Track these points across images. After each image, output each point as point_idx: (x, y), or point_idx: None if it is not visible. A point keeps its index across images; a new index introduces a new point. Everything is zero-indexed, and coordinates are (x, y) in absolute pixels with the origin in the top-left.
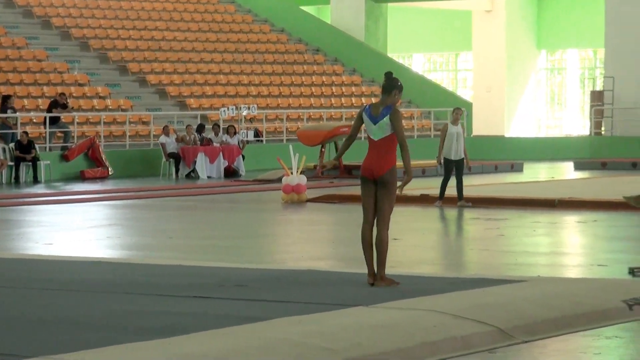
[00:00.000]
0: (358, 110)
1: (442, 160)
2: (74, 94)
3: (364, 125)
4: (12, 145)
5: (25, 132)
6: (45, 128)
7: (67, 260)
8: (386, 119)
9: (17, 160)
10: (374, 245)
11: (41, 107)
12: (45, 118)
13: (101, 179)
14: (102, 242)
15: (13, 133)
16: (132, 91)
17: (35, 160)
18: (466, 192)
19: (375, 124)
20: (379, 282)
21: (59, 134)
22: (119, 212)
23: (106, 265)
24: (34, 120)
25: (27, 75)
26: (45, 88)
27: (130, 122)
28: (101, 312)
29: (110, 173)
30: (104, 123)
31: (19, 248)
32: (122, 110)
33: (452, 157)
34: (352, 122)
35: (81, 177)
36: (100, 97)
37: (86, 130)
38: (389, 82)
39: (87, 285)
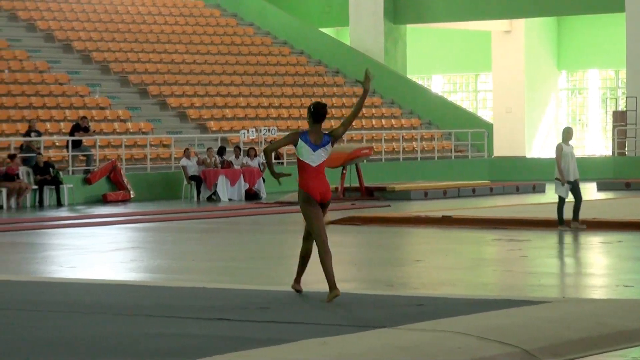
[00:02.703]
0: (379, 131)
1: (565, 181)
2: (96, 118)
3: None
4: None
5: (40, 153)
6: (67, 151)
7: (91, 283)
8: (328, 146)
9: (41, 184)
10: (322, 259)
11: (63, 130)
12: (67, 142)
13: (123, 202)
14: (125, 265)
15: (36, 156)
16: (153, 114)
17: (57, 184)
18: (488, 213)
19: (315, 151)
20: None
21: (81, 158)
22: (141, 235)
23: (129, 288)
24: (57, 144)
25: (49, 99)
26: (67, 112)
27: (151, 145)
28: (124, 335)
29: (132, 196)
30: (125, 146)
31: (43, 271)
32: (143, 133)
33: (570, 178)
34: (284, 138)
35: (103, 200)
36: (121, 120)
37: (108, 154)
38: (319, 112)
39: (110, 308)
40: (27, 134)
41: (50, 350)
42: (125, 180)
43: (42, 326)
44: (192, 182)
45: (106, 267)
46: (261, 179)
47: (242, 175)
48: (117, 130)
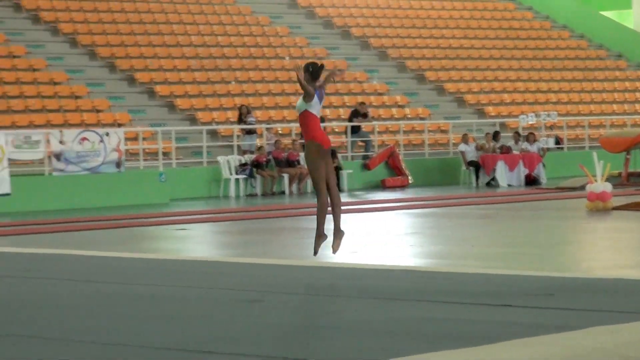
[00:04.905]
0: None
1: None
2: (374, 103)
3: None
4: None
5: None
6: (346, 137)
7: (371, 268)
8: (322, 101)
9: None
10: (335, 206)
11: (342, 116)
12: (346, 127)
13: (401, 188)
14: (405, 251)
15: None
16: (430, 100)
17: (337, 169)
18: None
19: (320, 102)
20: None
21: (360, 143)
22: (420, 220)
23: (410, 274)
24: (336, 130)
25: (330, 85)
26: (345, 98)
27: (428, 131)
28: (404, 320)
29: (410, 182)
30: (403, 132)
31: (323, 256)
32: (421, 118)
33: None
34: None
35: (382, 186)
36: (399, 106)
37: (386, 139)
38: (318, 70)
39: (391, 292)
40: None
41: (330, 335)
42: (403, 165)
43: (321, 311)
44: (471, 167)
45: (386, 253)
46: (541, 164)
47: (521, 161)
48: (395, 116)
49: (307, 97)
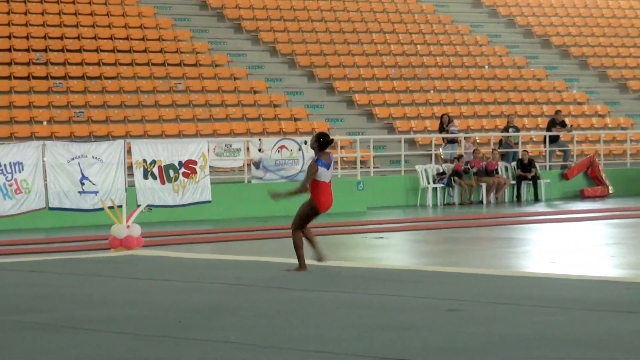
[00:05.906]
0: None
1: None
2: (573, 113)
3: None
4: (514, 164)
5: (526, 151)
6: (544, 147)
7: (571, 278)
8: (332, 164)
9: (519, 179)
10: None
11: (540, 126)
12: (544, 137)
13: (601, 198)
14: (606, 261)
15: (514, 152)
16: (633, 109)
17: (535, 179)
18: None
19: (327, 169)
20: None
21: (558, 153)
22: (621, 231)
23: (611, 285)
24: (534, 139)
25: (527, 95)
26: (544, 107)
27: (630, 141)
28: (603, 331)
29: (610, 192)
30: (604, 141)
31: (523, 266)
32: (622, 128)
33: None
34: (311, 174)
35: (580, 196)
36: (599, 116)
37: (585, 149)
38: (326, 142)
39: (593, 304)
40: (505, 129)
41: (528, 345)
42: (603, 175)
43: (521, 321)
44: None
45: (586, 263)
46: None
47: None
48: (595, 126)
49: (305, 182)
